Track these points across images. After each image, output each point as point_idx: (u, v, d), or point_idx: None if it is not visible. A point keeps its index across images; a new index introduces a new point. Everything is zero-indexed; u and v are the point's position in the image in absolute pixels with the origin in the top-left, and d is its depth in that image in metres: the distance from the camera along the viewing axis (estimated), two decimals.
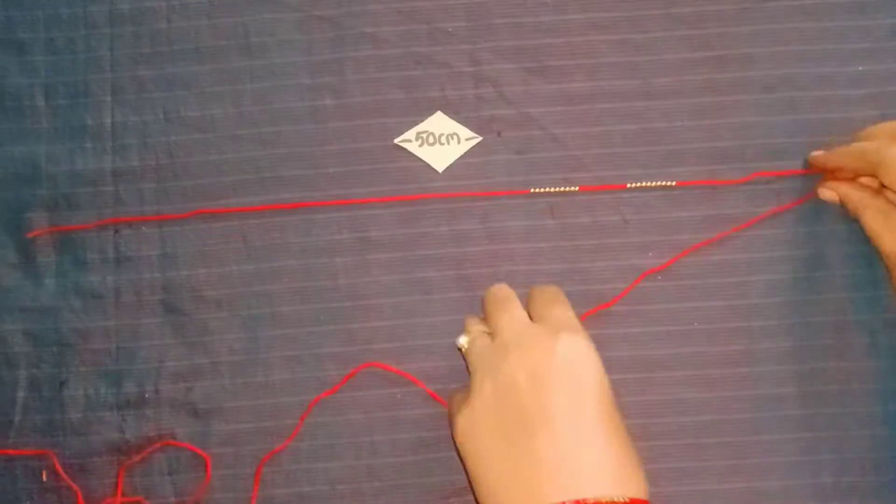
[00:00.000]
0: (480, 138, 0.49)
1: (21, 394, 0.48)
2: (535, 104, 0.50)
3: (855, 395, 0.47)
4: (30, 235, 0.49)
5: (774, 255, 0.48)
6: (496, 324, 0.40)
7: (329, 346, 0.48)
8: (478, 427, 0.37)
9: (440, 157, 0.49)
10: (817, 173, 0.48)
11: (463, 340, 0.41)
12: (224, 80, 0.50)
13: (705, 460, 0.46)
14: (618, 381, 0.47)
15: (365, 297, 0.48)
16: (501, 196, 0.49)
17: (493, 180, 0.49)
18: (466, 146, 0.49)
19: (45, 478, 0.47)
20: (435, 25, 0.50)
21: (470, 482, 0.38)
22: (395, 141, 0.49)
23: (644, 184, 0.49)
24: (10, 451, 0.48)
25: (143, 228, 0.49)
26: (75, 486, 0.47)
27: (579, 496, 0.33)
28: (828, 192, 0.47)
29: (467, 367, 0.40)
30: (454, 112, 0.50)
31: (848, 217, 0.47)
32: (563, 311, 0.40)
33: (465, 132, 0.49)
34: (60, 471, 0.47)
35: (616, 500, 0.33)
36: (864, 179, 0.46)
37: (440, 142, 0.49)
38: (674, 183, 0.49)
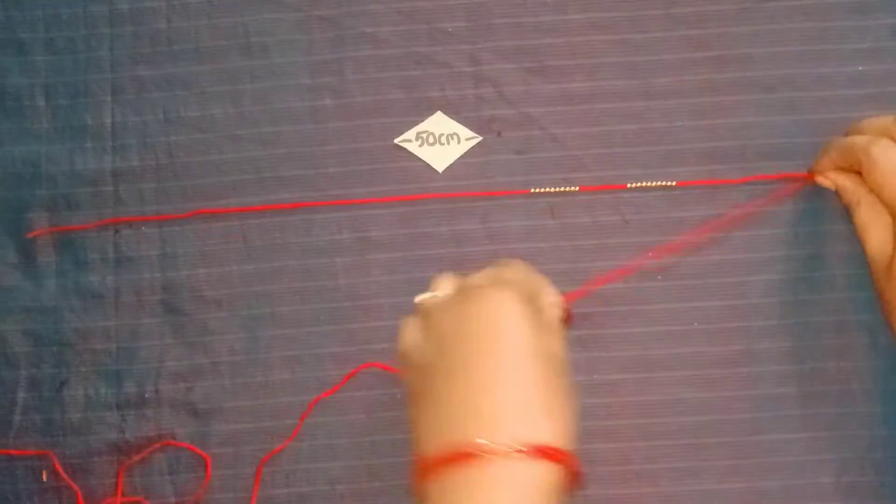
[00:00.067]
0: (480, 138, 0.49)
1: (21, 394, 0.48)
2: (535, 104, 0.49)
3: (855, 395, 0.47)
4: (30, 235, 0.49)
5: (774, 255, 0.48)
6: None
7: (329, 346, 0.48)
8: (411, 362, 0.37)
9: (440, 157, 0.49)
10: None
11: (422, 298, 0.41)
12: (224, 80, 0.50)
13: (705, 460, 0.46)
14: (618, 381, 0.47)
15: (365, 297, 0.48)
16: (501, 196, 0.49)
17: (493, 180, 0.49)
18: (466, 146, 0.49)
19: (45, 478, 0.47)
20: (435, 25, 0.50)
21: None
22: (395, 141, 0.49)
23: (644, 184, 0.48)
24: (11, 451, 0.48)
25: (143, 228, 0.49)
26: (75, 486, 0.47)
27: (465, 440, 0.33)
28: (825, 181, 0.46)
29: None
30: (454, 112, 0.50)
31: (845, 213, 0.47)
32: (513, 273, 0.39)
33: (465, 132, 0.49)
34: (60, 471, 0.47)
35: (497, 447, 0.32)
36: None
37: (440, 142, 0.49)
38: (674, 183, 0.49)
